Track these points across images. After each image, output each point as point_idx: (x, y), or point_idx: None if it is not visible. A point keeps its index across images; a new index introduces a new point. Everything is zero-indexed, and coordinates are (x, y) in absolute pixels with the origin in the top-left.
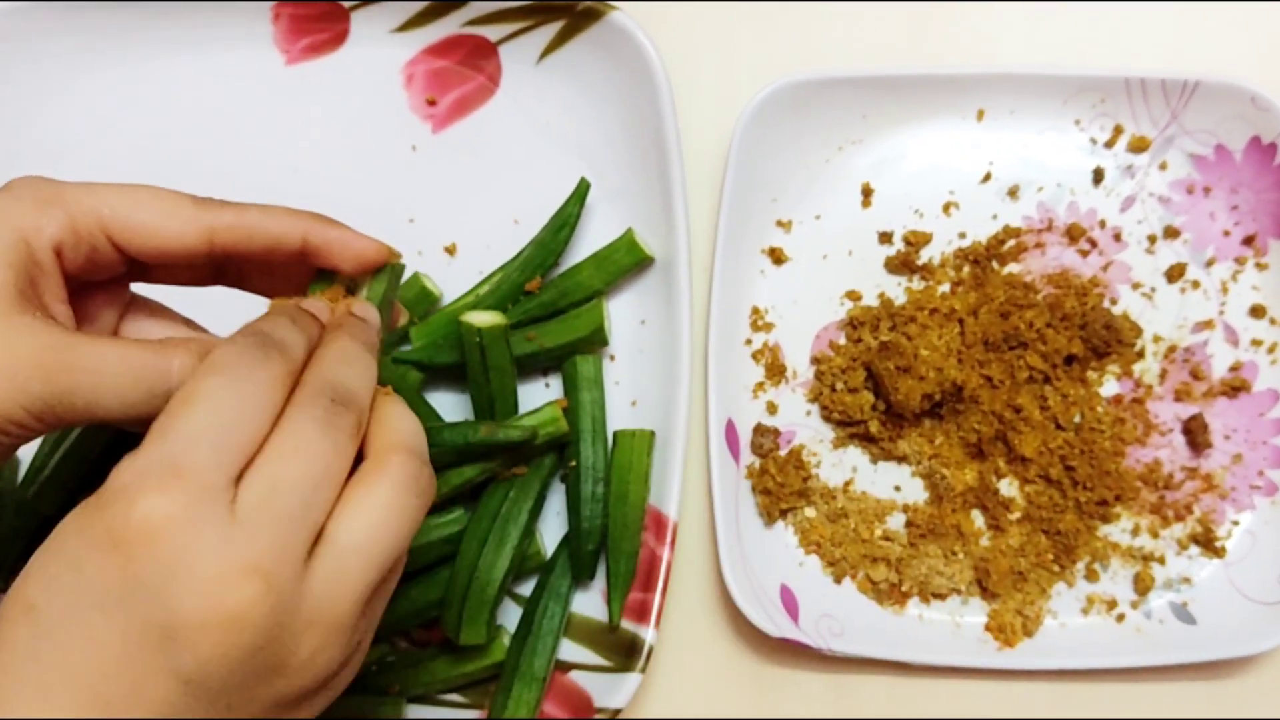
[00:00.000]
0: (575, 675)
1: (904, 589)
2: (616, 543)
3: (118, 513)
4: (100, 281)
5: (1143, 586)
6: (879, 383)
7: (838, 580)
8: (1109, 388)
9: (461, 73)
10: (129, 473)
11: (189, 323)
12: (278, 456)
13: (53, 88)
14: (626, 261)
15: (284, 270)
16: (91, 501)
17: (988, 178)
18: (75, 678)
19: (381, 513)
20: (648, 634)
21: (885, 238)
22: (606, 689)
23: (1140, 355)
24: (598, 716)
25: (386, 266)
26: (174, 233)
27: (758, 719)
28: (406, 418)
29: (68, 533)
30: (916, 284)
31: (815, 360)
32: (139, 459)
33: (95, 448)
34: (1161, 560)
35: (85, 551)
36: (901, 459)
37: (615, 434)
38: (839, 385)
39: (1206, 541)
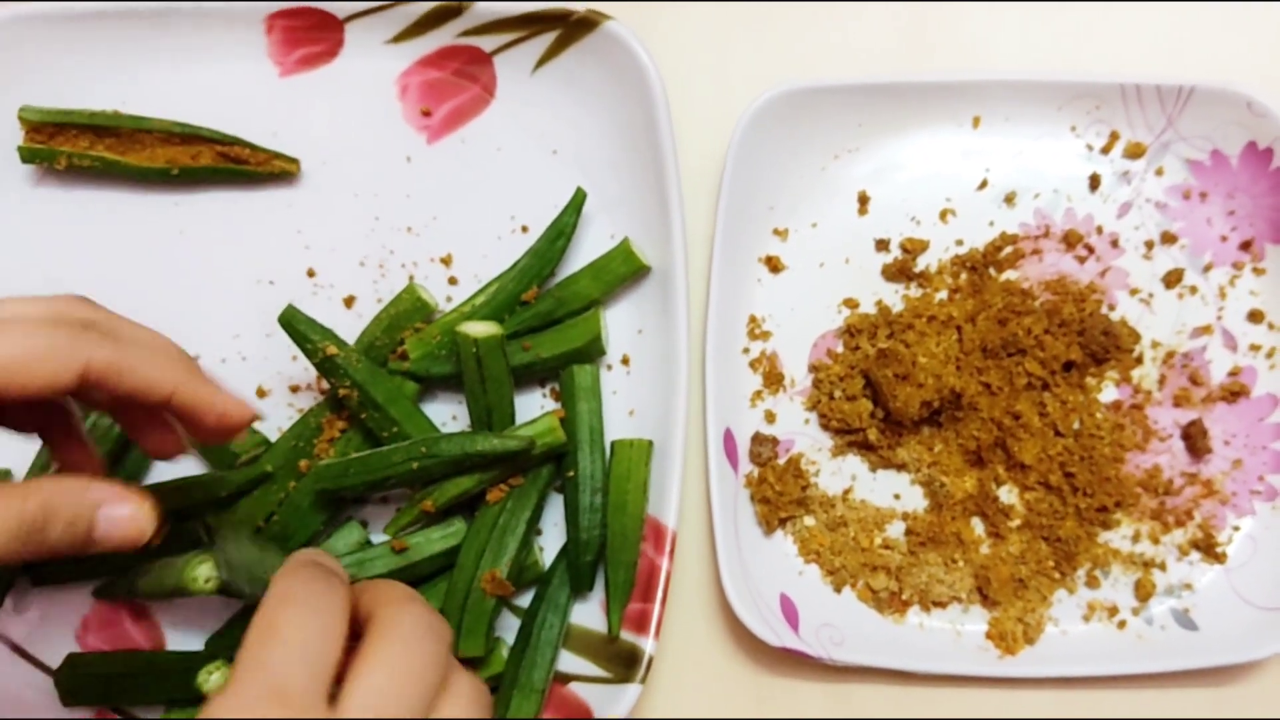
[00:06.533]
0: (575, 686)
1: (904, 597)
2: (615, 553)
3: None
4: None
5: (1144, 593)
6: (877, 390)
7: (838, 589)
8: (1108, 394)
9: (456, 83)
10: (234, 704)
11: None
12: (378, 669)
13: (47, 100)
14: (623, 271)
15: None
16: None
17: (984, 184)
18: None
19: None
20: (647, 644)
21: (882, 245)
22: (606, 700)
23: (1139, 361)
24: None
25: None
26: (49, 374)
27: None
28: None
29: None
30: (914, 291)
31: (813, 368)
32: (241, 691)
33: None
34: (1162, 566)
35: None
36: (900, 467)
37: (613, 444)
38: (837, 393)
39: (1207, 547)
